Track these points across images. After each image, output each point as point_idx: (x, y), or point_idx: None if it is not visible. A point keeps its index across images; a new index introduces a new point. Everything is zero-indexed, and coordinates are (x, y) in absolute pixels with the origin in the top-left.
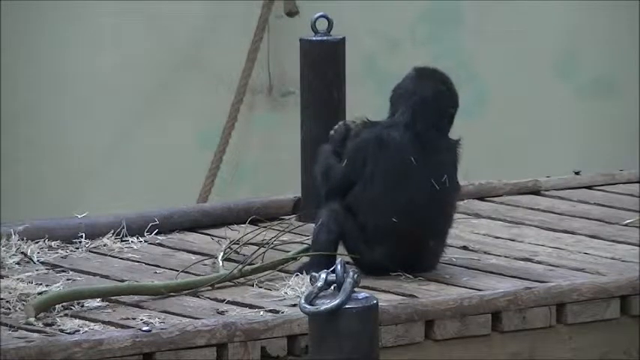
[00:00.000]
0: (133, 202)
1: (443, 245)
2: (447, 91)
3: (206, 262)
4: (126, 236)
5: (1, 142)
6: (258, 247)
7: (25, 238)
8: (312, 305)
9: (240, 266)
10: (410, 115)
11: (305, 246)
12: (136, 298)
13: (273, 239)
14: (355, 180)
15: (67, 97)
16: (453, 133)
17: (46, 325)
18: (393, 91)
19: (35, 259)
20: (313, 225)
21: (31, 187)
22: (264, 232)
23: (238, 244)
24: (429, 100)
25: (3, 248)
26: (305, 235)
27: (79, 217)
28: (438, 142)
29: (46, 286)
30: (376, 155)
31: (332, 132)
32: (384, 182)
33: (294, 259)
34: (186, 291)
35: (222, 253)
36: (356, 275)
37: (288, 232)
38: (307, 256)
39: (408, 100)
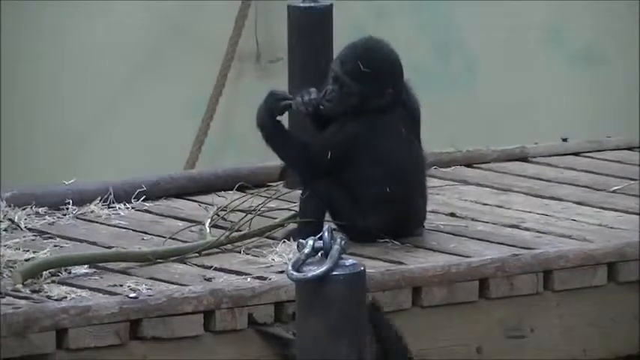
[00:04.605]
0: (122, 169)
1: (426, 201)
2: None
3: (193, 228)
4: (113, 203)
5: None
6: (245, 214)
7: (12, 205)
8: (300, 272)
9: (228, 233)
10: (397, 88)
11: (292, 212)
12: (123, 264)
13: (261, 206)
14: (342, 167)
15: (55, 66)
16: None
17: (33, 291)
18: (354, 69)
19: (22, 226)
20: (300, 192)
21: (19, 154)
22: (251, 199)
23: (225, 210)
24: (398, 66)
25: None
26: (292, 202)
27: (67, 183)
28: (414, 102)
29: (34, 252)
30: (368, 145)
31: (301, 103)
32: (378, 159)
33: (281, 225)
34: (174, 258)
35: (209, 220)
36: (343, 242)
37: (276, 198)
38: (294, 222)
39: (385, 75)
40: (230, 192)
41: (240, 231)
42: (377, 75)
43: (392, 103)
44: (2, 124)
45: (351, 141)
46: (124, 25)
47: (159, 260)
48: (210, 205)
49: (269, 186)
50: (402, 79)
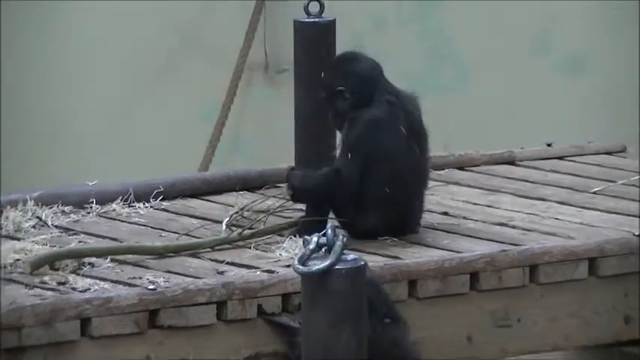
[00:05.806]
0: (140, 172)
1: (423, 202)
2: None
3: (207, 226)
4: (133, 202)
5: (3, 114)
6: (259, 216)
7: (40, 204)
8: (305, 266)
9: (239, 230)
10: (357, 86)
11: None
12: (143, 258)
13: (272, 207)
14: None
15: (74, 71)
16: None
17: (59, 283)
18: (350, 81)
19: (49, 223)
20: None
21: (42, 158)
22: (262, 202)
23: (239, 211)
24: (351, 66)
25: (20, 213)
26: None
27: (90, 184)
28: (412, 101)
29: (59, 247)
30: (376, 145)
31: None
32: (377, 160)
33: (288, 226)
34: (189, 252)
35: (227, 219)
36: (345, 238)
37: (285, 199)
38: (300, 221)
39: (337, 78)
40: (242, 192)
41: (252, 229)
42: (332, 80)
43: (366, 100)
44: (24, 129)
45: (363, 140)
46: (140, 36)
47: (170, 254)
48: (230, 205)
49: (278, 187)
50: (364, 77)
